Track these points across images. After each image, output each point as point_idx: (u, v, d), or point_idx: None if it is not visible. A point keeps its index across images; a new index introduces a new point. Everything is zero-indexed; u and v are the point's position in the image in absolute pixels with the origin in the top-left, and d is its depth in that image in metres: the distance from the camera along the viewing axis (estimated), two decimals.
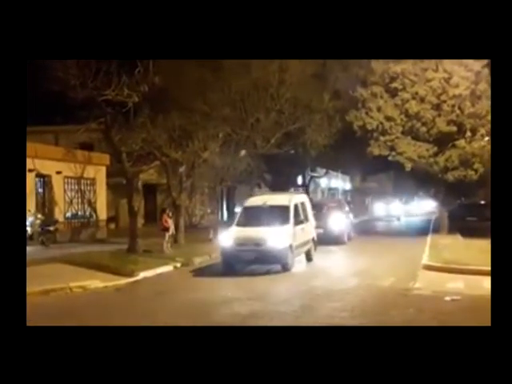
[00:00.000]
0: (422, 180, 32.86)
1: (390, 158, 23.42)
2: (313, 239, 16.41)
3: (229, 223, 18.83)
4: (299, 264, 15.00)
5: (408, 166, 23.23)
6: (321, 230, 18.53)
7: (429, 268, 13.28)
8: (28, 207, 18.86)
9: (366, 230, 27.89)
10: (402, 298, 9.96)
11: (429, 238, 20.35)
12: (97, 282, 12.15)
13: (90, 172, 23.40)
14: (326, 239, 18.78)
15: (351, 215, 25.15)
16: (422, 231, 25.34)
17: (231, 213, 38.40)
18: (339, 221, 21.21)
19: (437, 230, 24.25)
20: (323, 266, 15.02)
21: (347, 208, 24.81)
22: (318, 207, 21.19)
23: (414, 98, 22.39)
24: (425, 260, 14.26)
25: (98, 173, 24.01)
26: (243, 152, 23.74)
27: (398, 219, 40.70)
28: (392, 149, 22.93)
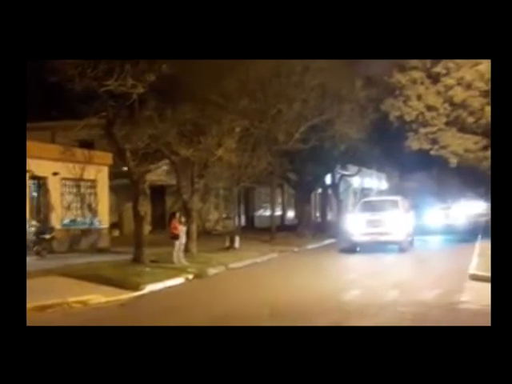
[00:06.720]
0: (469, 178, 32.51)
1: (432, 153, 23.31)
2: None
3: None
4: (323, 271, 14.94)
5: (453, 161, 23.08)
6: None
7: (477, 278, 13.21)
8: None
9: None
10: (446, 313, 9.93)
11: (477, 245, 20.18)
12: (98, 296, 12.31)
13: (90, 173, 23.64)
14: None
15: None
16: (470, 237, 25.08)
17: (250, 218, 38.49)
18: None
19: (488, 235, 24.00)
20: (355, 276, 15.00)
21: None
22: None
23: (459, 84, 22.25)
24: (472, 270, 14.15)
25: (100, 174, 24.26)
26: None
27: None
28: (434, 142, 22.83)
